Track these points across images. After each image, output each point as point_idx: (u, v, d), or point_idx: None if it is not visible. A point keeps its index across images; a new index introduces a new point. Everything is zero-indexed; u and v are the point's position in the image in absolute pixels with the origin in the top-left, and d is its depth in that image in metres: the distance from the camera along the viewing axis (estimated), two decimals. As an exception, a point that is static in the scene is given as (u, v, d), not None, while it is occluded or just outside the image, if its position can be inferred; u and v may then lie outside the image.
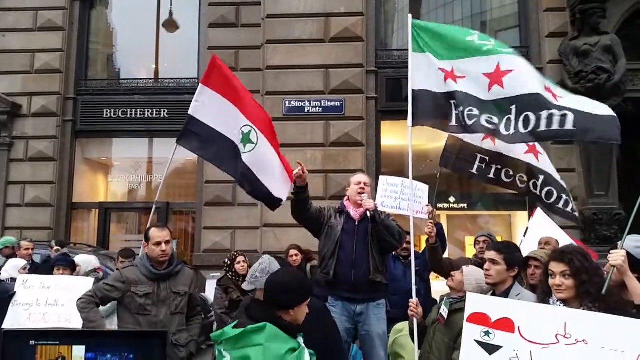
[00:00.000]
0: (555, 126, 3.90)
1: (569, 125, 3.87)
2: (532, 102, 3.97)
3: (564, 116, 3.86)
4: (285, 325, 2.22)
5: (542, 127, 3.93)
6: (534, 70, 4.21)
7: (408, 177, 4.58)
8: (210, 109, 5.06)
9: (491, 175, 4.80)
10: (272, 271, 2.98)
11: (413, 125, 4.24)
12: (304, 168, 4.14)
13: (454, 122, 4.18)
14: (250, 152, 4.83)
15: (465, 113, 4.10)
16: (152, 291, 3.65)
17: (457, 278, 3.61)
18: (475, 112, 4.10)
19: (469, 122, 4.10)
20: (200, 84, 5.15)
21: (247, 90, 5.24)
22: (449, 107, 4.20)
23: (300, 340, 2.27)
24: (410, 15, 4.45)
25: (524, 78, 4.05)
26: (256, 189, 4.94)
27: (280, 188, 4.90)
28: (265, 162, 4.87)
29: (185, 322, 3.83)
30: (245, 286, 3.29)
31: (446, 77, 4.21)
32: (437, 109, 4.25)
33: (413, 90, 4.24)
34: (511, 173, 4.81)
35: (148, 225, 5.09)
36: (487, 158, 4.77)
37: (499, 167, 4.84)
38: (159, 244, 3.66)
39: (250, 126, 4.89)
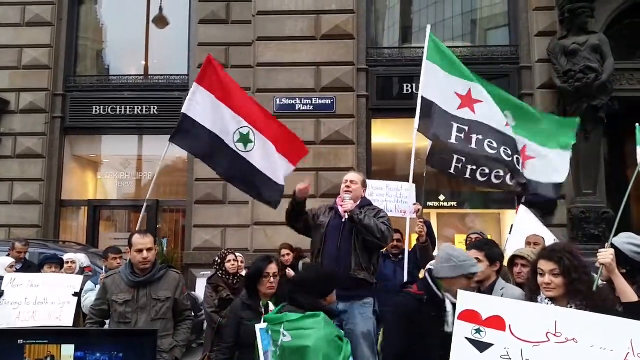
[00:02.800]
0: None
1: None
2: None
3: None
4: (328, 310, 2.77)
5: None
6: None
7: (404, 175, 4.71)
8: (203, 108, 5.12)
9: (467, 175, 4.91)
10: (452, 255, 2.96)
11: (418, 131, 4.45)
12: (308, 187, 4.25)
13: (453, 140, 4.39)
14: (251, 151, 5.17)
15: (474, 138, 4.53)
16: (132, 298, 3.60)
17: None
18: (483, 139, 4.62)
19: (473, 146, 4.58)
20: (194, 83, 5.20)
21: (240, 87, 5.40)
22: (451, 127, 4.49)
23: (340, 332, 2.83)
24: (429, 26, 4.79)
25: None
26: (254, 186, 5.25)
27: (281, 172, 5.27)
28: (267, 156, 5.23)
29: (174, 328, 3.77)
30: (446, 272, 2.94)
31: (462, 105, 4.45)
32: (441, 125, 4.49)
33: (423, 98, 4.41)
34: (486, 171, 4.92)
35: (138, 225, 5.09)
36: (464, 159, 4.86)
37: (474, 167, 4.95)
38: (140, 251, 3.61)
39: (248, 127, 5.17)
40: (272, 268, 3.52)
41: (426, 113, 4.52)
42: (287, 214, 4.36)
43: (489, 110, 4.52)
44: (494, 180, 4.85)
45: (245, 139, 5.15)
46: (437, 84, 4.56)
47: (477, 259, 3.25)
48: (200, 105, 5.11)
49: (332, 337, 2.59)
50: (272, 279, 3.49)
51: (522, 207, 5.84)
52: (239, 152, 5.18)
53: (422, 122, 4.50)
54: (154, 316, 3.61)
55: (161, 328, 3.56)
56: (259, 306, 3.48)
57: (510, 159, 4.57)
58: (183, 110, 5.12)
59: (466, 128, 4.48)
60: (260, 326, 3.13)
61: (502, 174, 4.86)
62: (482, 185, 5.05)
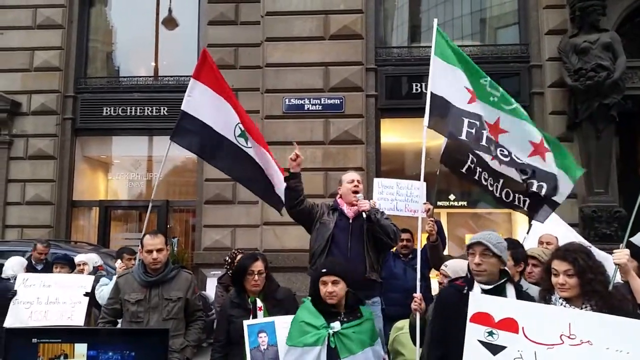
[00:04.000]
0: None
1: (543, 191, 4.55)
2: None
3: (540, 186, 4.53)
4: (317, 301, 3.12)
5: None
6: (526, 128, 4.57)
7: (414, 175, 4.62)
8: (202, 104, 4.98)
9: (475, 177, 4.84)
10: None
11: (428, 127, 4.33)
12: (299, 155, 4.11)
13: (464, 136, 4.33)
14: (252, 148, 4.98)
15: (484, 135, 4.43)
16: (144, 298, 3.63)
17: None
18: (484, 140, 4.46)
19: (483, 143, 4.43)
20: (191, 79, 5.05)
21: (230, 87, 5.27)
22: (461, 123, 4.38)
23: (336, 326, 3.00)
24: (436, 20, 4.65)
25: (516, 144, 4.53)
26: (260, 185, 5.06)
27: (280, 183, 4.97)
28: (264, 157, 4.99)
29: (185, 328, 3.78)
30: None
31: (472, 99, 4.41)
32: (452, 120, 4.41)
33: (432, 94, 4.33)
34: (486, 176, 4.86)
35: (144, 227, 5.09)
36: (476, 159, 4.79)
37: (480, 169, 4.90)
38: (150, 251, 3.64)
39: (242, 124, 4.99)
40: (257, 266, 3.51)
41: (437, 109, 4.43)
42: (285, 195, 4.25)
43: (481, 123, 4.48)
44: (496, 193, 4.76)
45: (244, 135, 4.96)
46: (447, 79, 4.48)
47: None
48: (199, 101, 4.96)
49: (299, 321, 3.07)
50: (256, 277, 3.48)
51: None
52: (241, 147, 5.02)
53: (432, 118, 4.40)
54: (165, 316, 3.63)
55: (173, 328, 3.59)
56: (247, 303, 3.49)
57: (522, 161, 4.50)
58: (182, 107, 4.97)
59: (477, 123, 4.38)
60: (248, 322, 3.22)
61: (486, 176, 4.79)
62: (484, 191, 4.96)
